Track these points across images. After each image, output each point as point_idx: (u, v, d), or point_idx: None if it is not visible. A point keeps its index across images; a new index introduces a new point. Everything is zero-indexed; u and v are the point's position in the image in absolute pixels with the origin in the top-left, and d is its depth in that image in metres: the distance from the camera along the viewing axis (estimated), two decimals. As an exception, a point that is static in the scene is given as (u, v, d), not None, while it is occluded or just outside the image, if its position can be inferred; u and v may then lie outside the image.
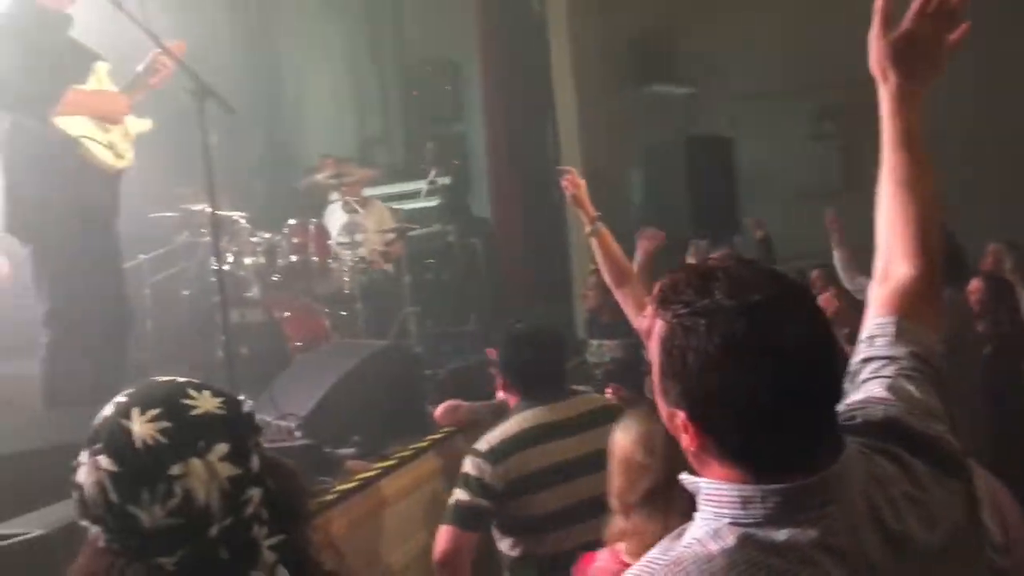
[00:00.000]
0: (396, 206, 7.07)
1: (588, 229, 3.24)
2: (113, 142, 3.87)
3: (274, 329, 5.67)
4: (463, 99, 8.51)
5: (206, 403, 1.24)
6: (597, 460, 2.64)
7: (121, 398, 1.26)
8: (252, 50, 8.17)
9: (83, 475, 1.22)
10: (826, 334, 1.13)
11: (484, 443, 2.82)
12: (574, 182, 3.29)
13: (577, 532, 2.69)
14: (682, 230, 6.82)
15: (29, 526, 2.24)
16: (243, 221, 5.89)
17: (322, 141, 8.23)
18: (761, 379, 1.07)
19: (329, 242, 6.06)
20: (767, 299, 1.09)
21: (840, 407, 1.20)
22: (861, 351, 1.34)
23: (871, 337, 1.34)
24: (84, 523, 1.23)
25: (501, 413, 3.12)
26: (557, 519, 2.77)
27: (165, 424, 1.20)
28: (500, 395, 3.21)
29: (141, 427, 1.20)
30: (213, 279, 6.11)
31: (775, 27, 7.73)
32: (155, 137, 4.23)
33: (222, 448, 1.21)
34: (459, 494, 2.78)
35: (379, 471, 3.54)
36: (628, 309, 3.27)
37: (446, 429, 3.99)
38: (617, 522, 2.03)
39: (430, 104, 8.67)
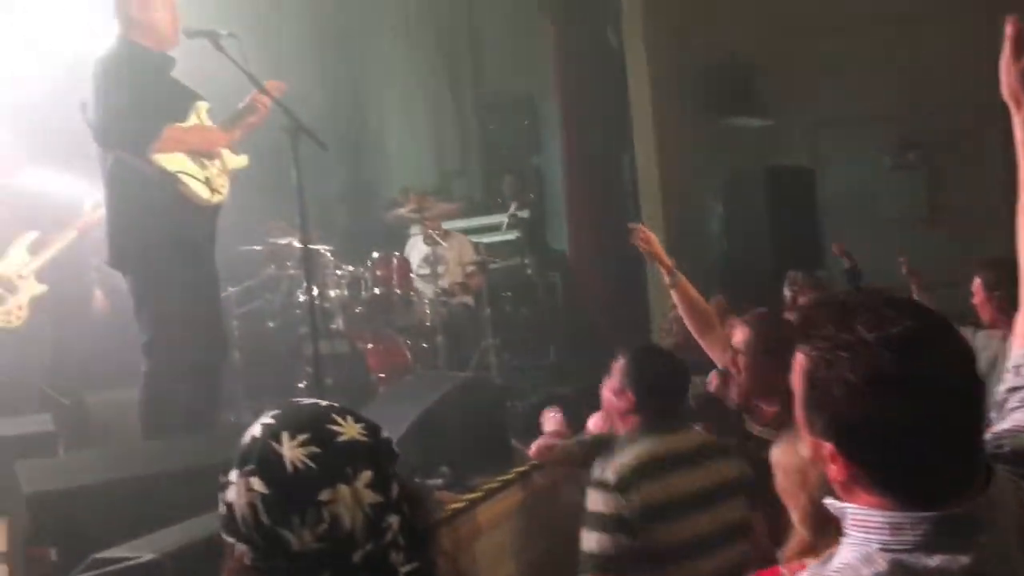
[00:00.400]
0: (475, 239, 7.14)
1: (668, 280, 3.24)
2: (210, 177, 3.99)
3: (358, 360, 5.77)
4: (540, 133, 8.58)
5: (350, 429, 1.27)
6: (719, 493, 2.68)
7: (268, 420, 1.29)
8: (335, 86, 8.36)
9: (233, 494, 1.25)
10: (970, 364, 1.12)
11: (610, 474, 2.71)
12: (645, 237, 3.29)
13: (702, 564, 2.66)
14: (763, 262, 6.75)
15: (139, 551, 2.30)
16: (328, 254, 6.01)
17: (402, 175, 8.39)
18: (907, 411, 1.07)
19: (411, 274, 6.15)
20: (909, 331, 1.09)
21: (988, 436, 1.20)
22: (1008, 380, 1.34)
23: (1017, 367, 1.34)
24: (230, 540, 1.27)
25: (594, 448, 3.09)
26: (682, 551, 2.70)
27: (314, 449, 1.23)
28: (591, 427, 3.19)
29: (291, 451, 1.23)
30: (298, 311, 6.30)
31: (855, 54, 7.64)
32: (242, 172, 4.35)
33: (367, 475, 1.24)
34: (597, 540, 2.65)
35: (467, 503, 3.55)
36: (714, 353, 3.26)
37: (532, 463, 3.98)
38: (802, 537, 1.99)
39: (508, 138, 8.77)
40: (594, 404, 3.28)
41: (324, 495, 1.21)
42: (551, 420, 3.71)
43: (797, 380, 1.16)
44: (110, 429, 4.96)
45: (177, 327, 3.83)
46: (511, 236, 7.43)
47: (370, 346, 5.79)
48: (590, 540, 2.68)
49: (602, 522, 2.66)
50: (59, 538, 2.79)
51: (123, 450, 3.90)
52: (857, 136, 8.02)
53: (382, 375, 5.68)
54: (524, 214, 7.38)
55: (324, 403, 1.33)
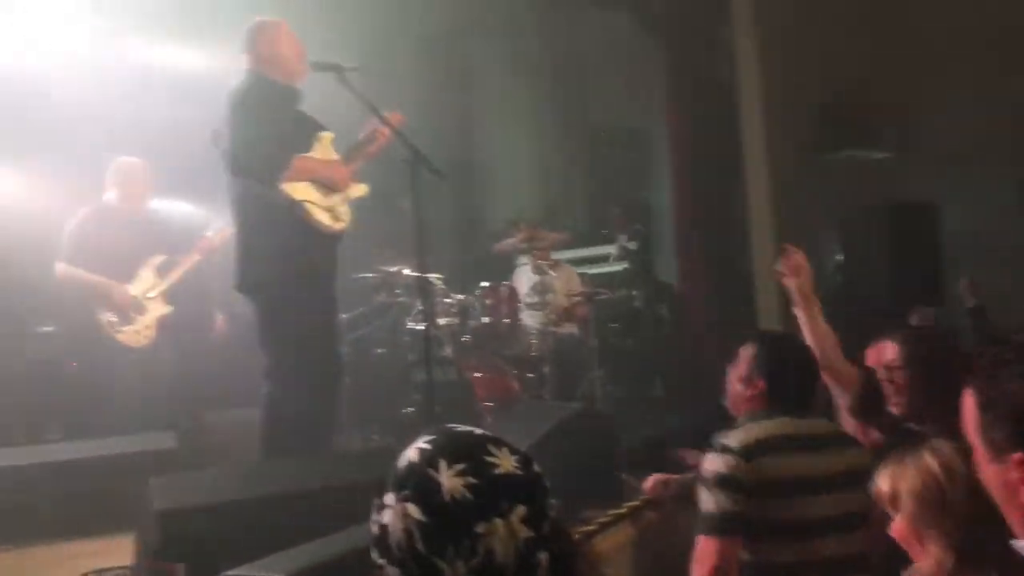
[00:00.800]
0: (582, 270, 7.13)
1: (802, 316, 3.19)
2: (333, 206, 4.10)
3: (465, 388, 5.81)
4: (650, 165, 8.54)
5: (506, 462, 1.27)
6: (841, 480, 2.63)
7: (424, 445, 1.30)
8: (446, 116, 8.50)
9: (389, 518, 1.26)
10: None
11: (733, 441, 2.66)
12: (797, 266, 3.22)
13: (819, 546, 2.60)
14: (881, 300, 6.55)
15: (269, 570, 2.35)
16: (439, 283, 6.09)
17: (510, 205, 8.45)
18: None
19: (519, 304, 6.17)
20: None
21: None
22: None
23: None
24: (381, 562, 1.28)
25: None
26: (802, 528, 2.64)
27: (472, 480, 1.24)
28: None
29: (449, 481, 1.23)
30: (406, 338, 6.39)
31: (977, 84, 7.37)
32: (357, 200, 4.44)
33: (521, 510, 1.23)
34: (715, 498, 2.60)
35: (581, 536, 3.51)
36: (836, 388, 3.19)
37: (644, 497, 3.92)
38: (940, 563, 1.91)
39: (616, 169, 8.75)
40: (701, 438, 3.23)
41: (480, 527, 1.21)
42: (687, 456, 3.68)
43: (969, 412, 1.15)
44: (228, 448, 5.12)
45: (299, 351, 3.93)
46: (619, 267, 7.40)
47: (478, 375, 5.83)
48: (708, 501, 2.63)
49: (721, 481, 2.61)
50: (187, 555, 2.87)
51: (246, 470, 3.99)
52: (980, 171, 7.72)
53: (489, 404, 5.71)
54: (632, 246, 7.35)
55: (478, 431, 1.33)
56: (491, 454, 1.27)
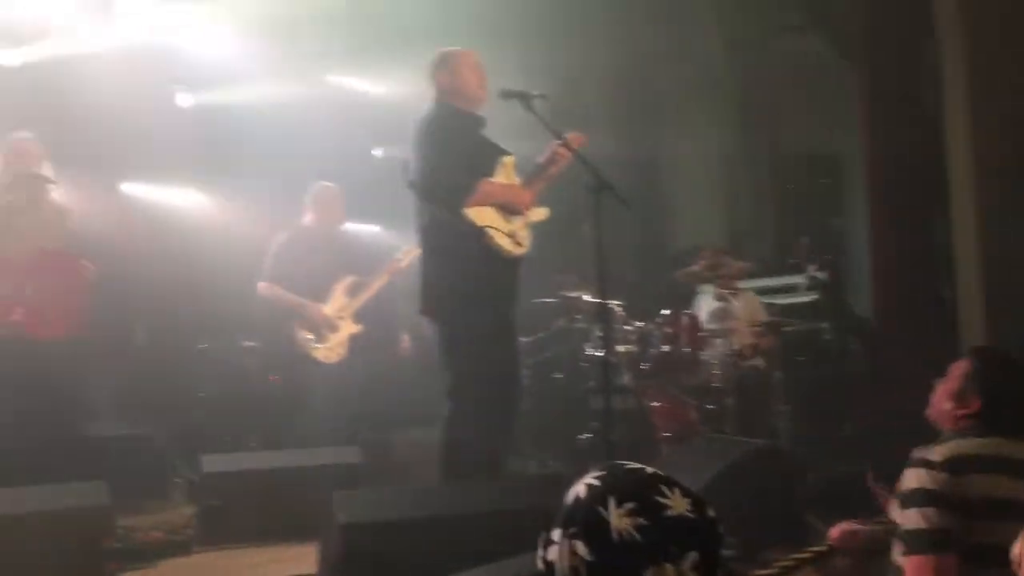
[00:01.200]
0: (768, 300, 6.88)
1: None
2: (514, 231, 4.15)
3: (643, 418, 5.72)
4: (842, 192, 8.18)
5: (678, 504, 1.23)
6: None
7: (593, 481, 1.27)
8: (628, 141, 8.47)
9: (555, 554, 1.24)
10: None
11: (939, 455, 2.49)
12: None
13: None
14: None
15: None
16: (619, 309, 6.04)
17: (693, 233, 8.31)
18: None
19: (700, 334, 6.02)
20: None
21: None
22: None
23: None
24: None
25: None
26: (1005, 557, 2.43)
27: (641, 521, 1.20)
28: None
29: (618, 520, 1.20)
30: (584, 364, 6.37)
31: None
32: (538, 225, 4.47)
33: (693, 556, 1.19)
34: (924, 515, 2.44)
35: (761, 580, 3.35)
36: None
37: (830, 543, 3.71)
38: None
39: (806, 197, 8.43)
40: (890, 483, 3.02)
41: (648, 572, 1.16)
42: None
43: None
44: (409, 466, 5.27)
45: (478, 375, 3.99)
46: (808, 298, 7.09)
47: (656, 404, 5.72)
48: (914, 517, 2.44)
49: (928, 497, 2.43)
50: (366, 568, 2.96)
51: (425, 489, 4.09)
52: None
53: (667, 434, 5.59)
54: (823, 275, 7.03)
55: (651, 470, 1.29)
56: (663, 495, 1.23)
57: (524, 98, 4.03)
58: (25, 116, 4.93)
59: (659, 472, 1.28)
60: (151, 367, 6.10)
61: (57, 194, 4.64)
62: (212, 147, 6.48)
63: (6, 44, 5.45)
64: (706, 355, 6.04)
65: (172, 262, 6.19)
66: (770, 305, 6.67)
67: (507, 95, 4.09)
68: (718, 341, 6.02)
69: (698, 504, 1.24)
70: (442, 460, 4.05)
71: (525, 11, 7.31)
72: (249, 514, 4.44)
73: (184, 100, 6.65)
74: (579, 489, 1.27)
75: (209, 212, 6.77)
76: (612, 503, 1.21)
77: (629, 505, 1.20)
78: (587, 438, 5.88)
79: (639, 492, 1.23)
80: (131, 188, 6.49)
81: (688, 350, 5.91)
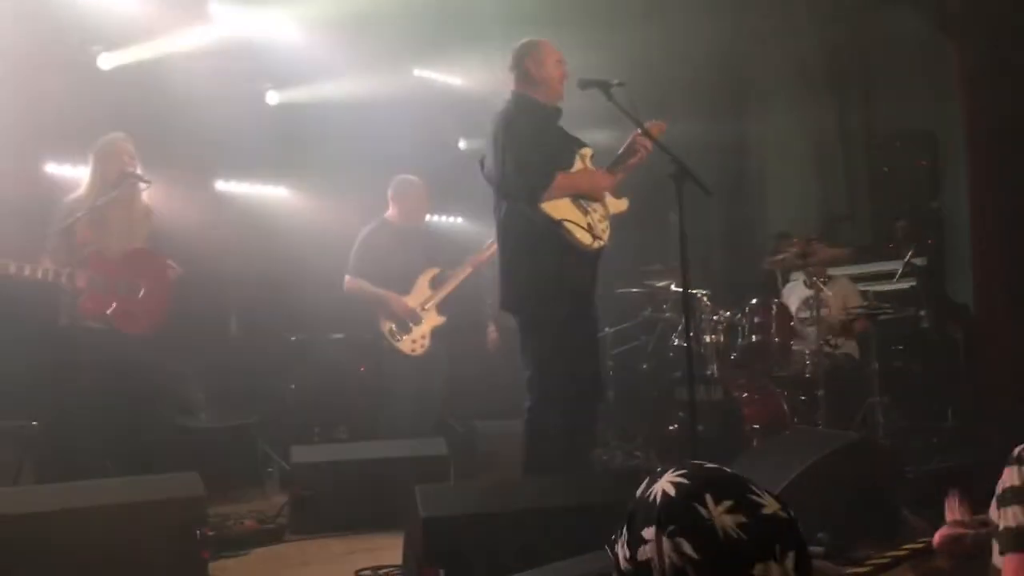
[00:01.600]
0: (864, 287, 6.67)
1: None
2: (592, 224, 4.09)
3: (732, 409, 5.61)
4: (942, 173, 7.85)
5: (770, 504, 1.20)
6: None
7: (680, 479, 1.24)
8: (716, 124, 8.30)
9: (652, 552, 1.21)
10: None
11: None
12: None
13: None
14: None
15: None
16: (705, 299, 5.93)
17: (783, 219, 8.10)
18: None
19: (791, 323, 5.87)
20: None
21: None
22: None
23: None
24: None
25: (1009, 537, 2.69)
26: None
27: (742, 519, 1.18)
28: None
29: (720, 517, 1.17)
30: (671, 355, 6.29)
31: None
32: (622, 215, 4.40)
33: (792, 555, 1.17)
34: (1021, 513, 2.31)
35: (852, 577, 3.25)
36: None
37: (927, 540, 3.57)
38: None
39: (902, 180, 8.12)
40: (995, 478, 2.87)
41: (757, 570, 1.15)
42: (954, 507, 3.30)
43: None
44: (495, 457, 5.29)
45: (559, 367, 3.97)
46: (905, 285, 6.84)
47: (745, 395, 5.60)
48: (1011, 515, 2.30)
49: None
50: (447, 561, 2.97)
51: (507, 482, 4.09)
52: None
53: (756, 426, 5.47)
54: (921, 262, 6.77)
55: (728, 469, 1.26)
56: (755, 493, 1.20)
57: (603, 87, 3.97)
58: (120, 116, 5.09)
59: (736, 473, 1.26)
60: (244, 359, 6.26)
61: (147, 193, 4.77)
62: (300, 143, 6.61)
63: (101, 47, 5.63)
64: (797, 345, 5.90)
65: (264, 257, 6.34)
66: (865, 292, 6.45)
67: (586, 84, 4.04)
68: (809, 330, 5.86)
69: (784, 506, 1.22)
70: (525, 451, 4.04)
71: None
72: (339, 504, 4.53)
73: (273, 98, 6.79)
74: (663, 487, 1.23)
75: (298, 207, 6.91)
76: (710, 500, 1.18)
77: (727, 503, 1.18)
78: (674, 429, 5.81)
79: (734, 490, 1.21)
80: (224, 186, 6.66)
81: (778, 340, 5.77)
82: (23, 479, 4.53)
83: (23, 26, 5.15)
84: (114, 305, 4.55)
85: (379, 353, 5.59)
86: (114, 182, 4.65)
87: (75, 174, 5.33)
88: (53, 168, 5.57)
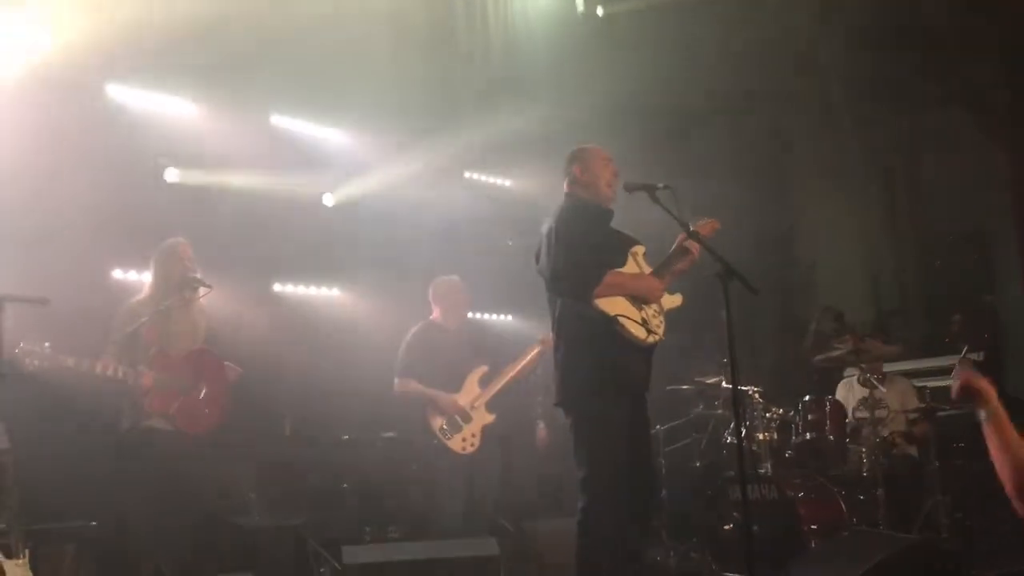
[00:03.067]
0: (919, 383, 6.55)
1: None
2: (646, 319, 4.13)
3: (787, 508, 5.49)
4: (994, 268, 7.78)
5: None
6: None
7: None
8: (765, 223, 8.36)
9: None
10: None
11: None
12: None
13: None
14: None
15: None
16: (758, 396, 5.89)
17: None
18: None
19: (847, 420, 5.79)
20: None
21: None
22: None
23: None
24: None
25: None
26: None
27: None
28: None
29: None
30: (724, 452, 6.21)
31: None
32: (676, 310, 4.43)
33: None
34: None
35: None
36: None
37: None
38: None
39: (955, 274, 8.06)
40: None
41: None
42: None
43: None
44: (547, 558, 5.23)
45: (612, 465, 3.95)
46: (963, 381, 6.71)
47: (800, 495, 5.49)
48: None
49: None
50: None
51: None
52: None
53: (813, 527, 5.34)
54: (977, 356, 6.65)
55: None
56: None
57: (649, 190, 4.06)
58: (180, 222, 5.32)
59: None
60: (297, 458, 6.31)
61: (205, 295, 4.92)
62: (353, 245, 6.79)
63: (168, 161, 5.93)
64: (853, 444, 5.79)
65: (317, 356, 6.45)
66: (921, 388, 6.34)
67: (632, 188, 4.13)
68: (865, 429, 5.76)
69: None
70: (578, 554, 3.98)
71: (649, 106, 7.44)
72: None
73: (328, 200, 7.02)
74: None
75: (351, 308, 7.05)
76: None
77: None
78: (729, 529, 5.69)
79: None
80: (280, 288, 6.84)
81: (832, 438, 5.68)
82: (81, 579, 4.58)
83: (95, 136, 5.44)
84: (177, 404, 4.67)
85: (430, 452, 5.61)
86: (176, 285, 4.82)
87: (138, 278, 5.54)
88: (118, 273, 5.78)
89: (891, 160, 8.58)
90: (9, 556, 3.90)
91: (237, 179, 6.14)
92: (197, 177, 6.02)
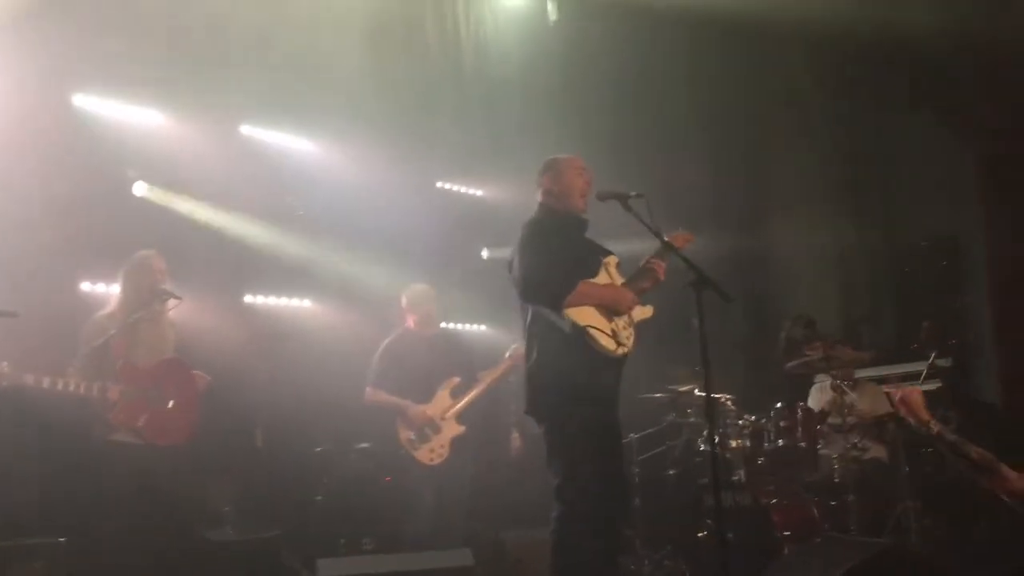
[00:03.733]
0: (888, 389, 6.61)
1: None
2: (616, 330, 4.13)
3: (760, 515, 5.53)
4: (962, 274, 7.87)
5: None
6: None
7: None
8: (737, 228, 8.41)
9: None
10: None
11: None
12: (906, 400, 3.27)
13: None
14: None
15: None
16: (730, 403, 5.92)
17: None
18: None
19: (818, 427, 5.82)
20: None
21: None
22: None
23: None
24: None
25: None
26: None
27: None
28: None
29: None
30: (698, 459, 6.23)
31: None
32: (646, 320, 4.43)
33: None
34: None
35: None
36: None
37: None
38: None
39: (924, 281, 8.14)
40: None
41: None
42: None
43: None
44: (522, 567, 5.22)
45: (585, 475, 3.96)
46: (931, 386, 6.78)
47: (774, 501, 5.53)
48: None
49: None
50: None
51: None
52: None
53: (787, 533, 5.38)
54: (946, 363, 6.73)
55: None
56: None
57: (621, 198, 4.07)
58: (149, 235, 5.26)
59: None
60: (269, 470, 6.26)
61: (173, 307, 4.88)
62: (323, 256, 6.75)
63: (136, 174, 5.83)
64: (824, 450, 5.83)
65: (289, 368, 6.40)
66: (890, 394, 6.39)
67: (604, 196, 4.15)
68: (837, 435, 5.81)
69: None
70: (553, 563, 3.99)
71: (625, 118, 7.47)
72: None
73: (297, 210, 6.96)
74: None
75: (322, 319, 7.00)
76: None
77: None
78: (703, 536, 5.71)
79: None
80: (250, 299, 6.78)
81: (804, 444, 5.72)
82: (50, 596, 4.51)
83: (62, 147, 5.37)
84: (145, 417, 4.62)
85: (402, 464, 5.59)
86: (146, 299, 4.77)
87: (106, 291, 5.48)
88: (86, 286, 5.71)
89: (861, 165, 8.66)
90: (-25, 574, 3.84)
91: (204, 199, 6.06)
92: (165, 196, 5.93)
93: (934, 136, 7.79)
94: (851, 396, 5.95)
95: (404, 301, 5.89)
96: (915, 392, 3.48)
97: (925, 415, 3.37)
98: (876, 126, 8.39)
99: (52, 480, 4.88)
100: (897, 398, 3.38)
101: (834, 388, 6.06)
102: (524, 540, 5.47)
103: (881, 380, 6.83)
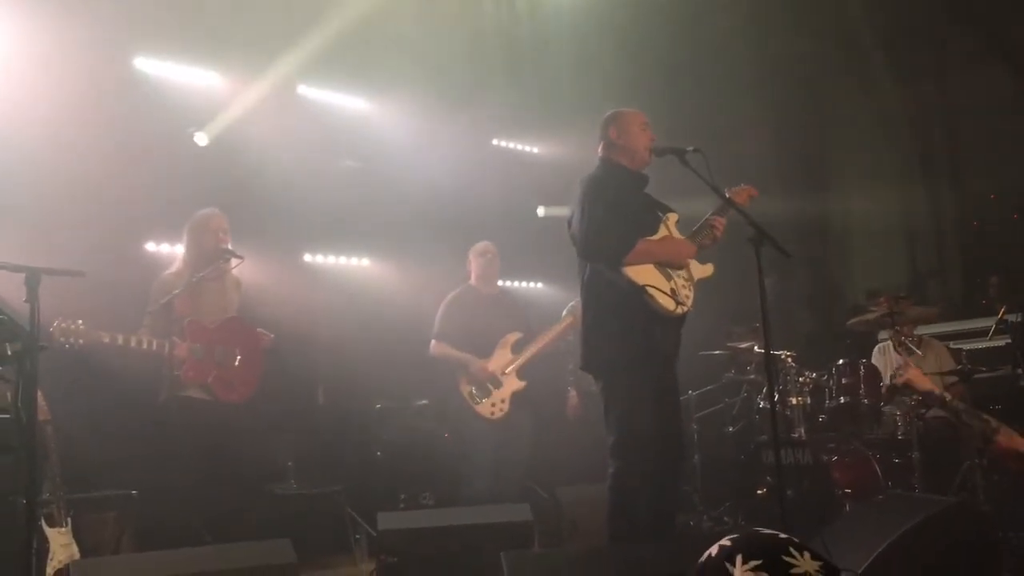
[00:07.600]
0: (955, 346, 6.48)
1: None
2: (675, 289, 4.09)
3: (821, 472, 5.48)
4: (1034, 228, 7.65)
5: (806, 564, 1.26)
6: None
7: (726, 542, 1.37)
8: (800, 181, 8.26)
9: None
10: None
11: None
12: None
13: None
14: None
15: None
16: (791, 360, 5.85)
17: (870, 277, 7.95)
18: None
19: (881, 384, 5.73)
20: None
21: None
22: None
23: None
24: None
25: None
26: None
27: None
28: None
29: (741, 574, 1.23)
30: (757, 417, 6.19)
31: None
32: (707, 278, 4.40)
33: None
34: None
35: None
36: None
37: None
38: None
39: (993, 234, 7.92)
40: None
41: None
42: None
43: None
44: (579, 523, 5.25)
45: (642, 431, 3.95)
46: (1000, 342, 6.63)
47: (835, 459, 5.47)
48: None
49: None
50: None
51: (594, 549, 4.05)
52: None
53: (848, 491, 5.33)
54: (1015, 318, 6.55)
55: (784, 536, 1.33)
56: (791, 555, 1.26)
57: (679, 153, 4.02)
58: (213, 192, 5.34)
59: (793, 538, 1.32)
60: (331, 426, 6.38)
61: (238, 267, 4.96)
62: (383, 214, 6.80)
63: (195, 127, 5.91)
64: (888, 407, 5.75)
65: (349, 326, 6.50)
66: (957, 351, 6.27)
67: (662, 151, 4.09)
68: (903, 393, 5.71)
69: (829, 570, 1.26)
70: (609, 520, 4.00)
71: (684, 77, 7.35)
72: (425, 570, 4.53)
73: (354, 169, 7.02)
74: (712, 549, 1.32)
75: (382, 277, 7.08)
76: (739, 559, 1.26)
77: (755, 562, 1.26)
78: (762, 494, 5.69)
79: (767, 551, 1.28)
80: (310, 258, 6.87)
81: (867, 401, 5.64)
82: (123, 547, 4.68)
83: (125, 108, 5.47)
84: (214, 373, 4.73)
85: (461, 417, 5.65)
86: (209, 257, 4.86)
87: (171, 250, 5.59)
88: (151, 246, 5.83)
89: (929, 119, 8.43)
90: (52, 525, 4.00)
91: (263, 159, 6.14)
92: (227, 135, 5.98)
93: (1002, 88, 7.53)
94: (917, 354, 5.83)
95: (471, 257, 5.94)
96: (912, 371, 3.85)
97: (928, 385, 3.65)
98: (945, 77, 8.15)
99: (124, 434, 5.04)
100: (900, 383, 3.51)
101: (898, 345, 5.93)
102: (581, 496, 5.50)
103: (948, 336, 6.69)
